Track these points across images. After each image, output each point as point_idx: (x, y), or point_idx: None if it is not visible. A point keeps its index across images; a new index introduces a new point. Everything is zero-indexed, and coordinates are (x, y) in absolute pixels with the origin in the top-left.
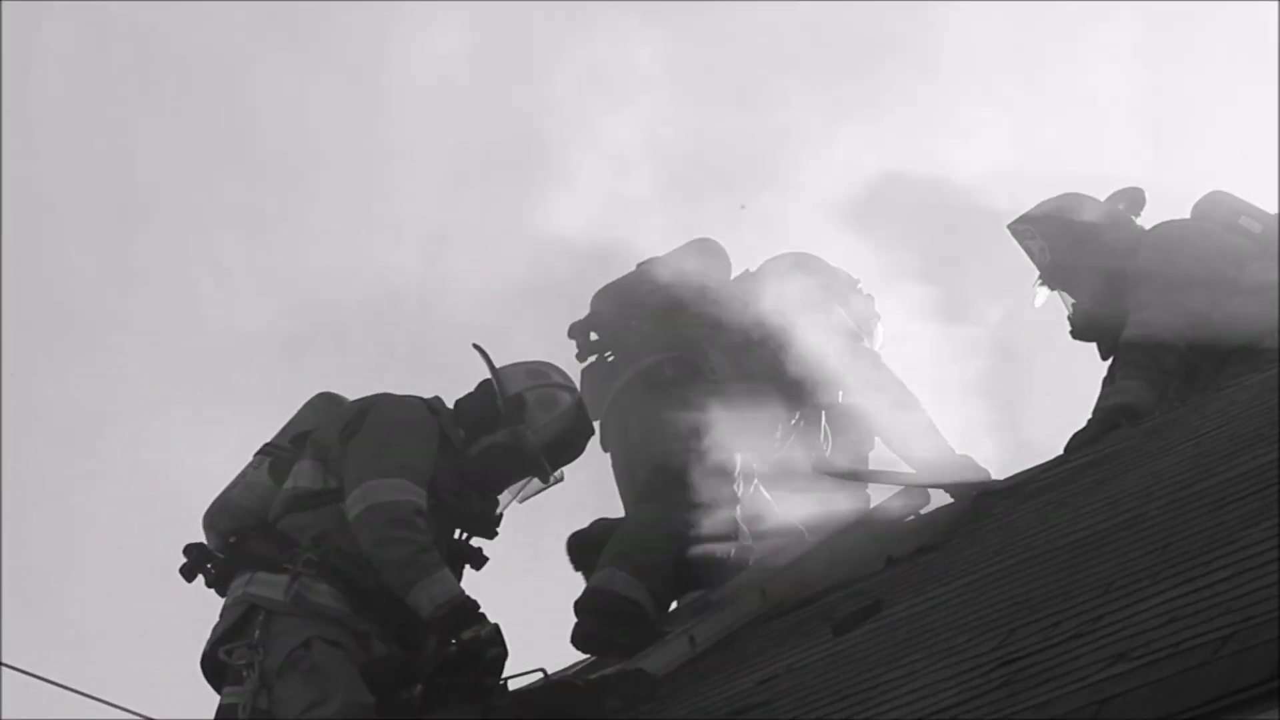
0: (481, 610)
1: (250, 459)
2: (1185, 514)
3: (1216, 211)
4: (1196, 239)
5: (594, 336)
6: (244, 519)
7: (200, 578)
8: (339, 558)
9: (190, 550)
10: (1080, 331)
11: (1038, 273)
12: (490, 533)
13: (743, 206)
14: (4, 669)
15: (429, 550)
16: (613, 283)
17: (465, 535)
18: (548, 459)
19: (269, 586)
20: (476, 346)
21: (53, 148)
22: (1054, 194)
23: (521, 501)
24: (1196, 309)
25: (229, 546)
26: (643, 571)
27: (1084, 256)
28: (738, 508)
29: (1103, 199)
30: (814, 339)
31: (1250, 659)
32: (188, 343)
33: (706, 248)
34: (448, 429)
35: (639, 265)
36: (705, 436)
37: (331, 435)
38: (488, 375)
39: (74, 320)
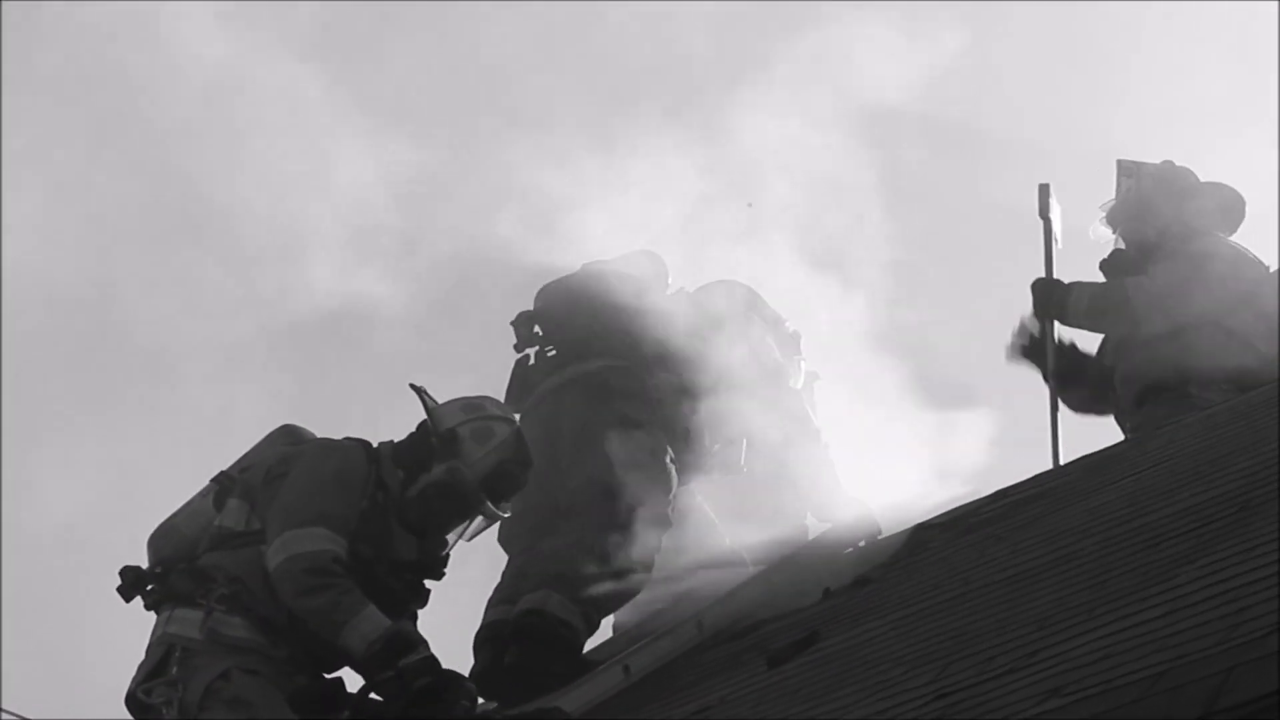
0: (417, 639)
1: (206, 484)
2: (1121, 550)
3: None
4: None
5: (537, 330)
6: (181, 547)
7: (140, 600)
8: (249, 597)
9: (126, 573)
10: (1110, 269)
11: (1109, 207)
12: (437, 573)
13: (749, 204)
14: None
15: (350, 592)
16: (559, 280)
17: (410, 579)
18: (486, 492)
19: (185, 624)
20: (413, 386)
21: None
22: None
23: (469, 540)
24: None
25: (156, 576)
26: (578, 596)
27: (1155, 232)
28: (665, 535)
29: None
30: (729, 371)
31: (1183, 696)
32: None
33: (651, 258)
34: (386, 475)
35: (584, 266)
36: (643, 457)
37: (259, 476)
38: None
39: None
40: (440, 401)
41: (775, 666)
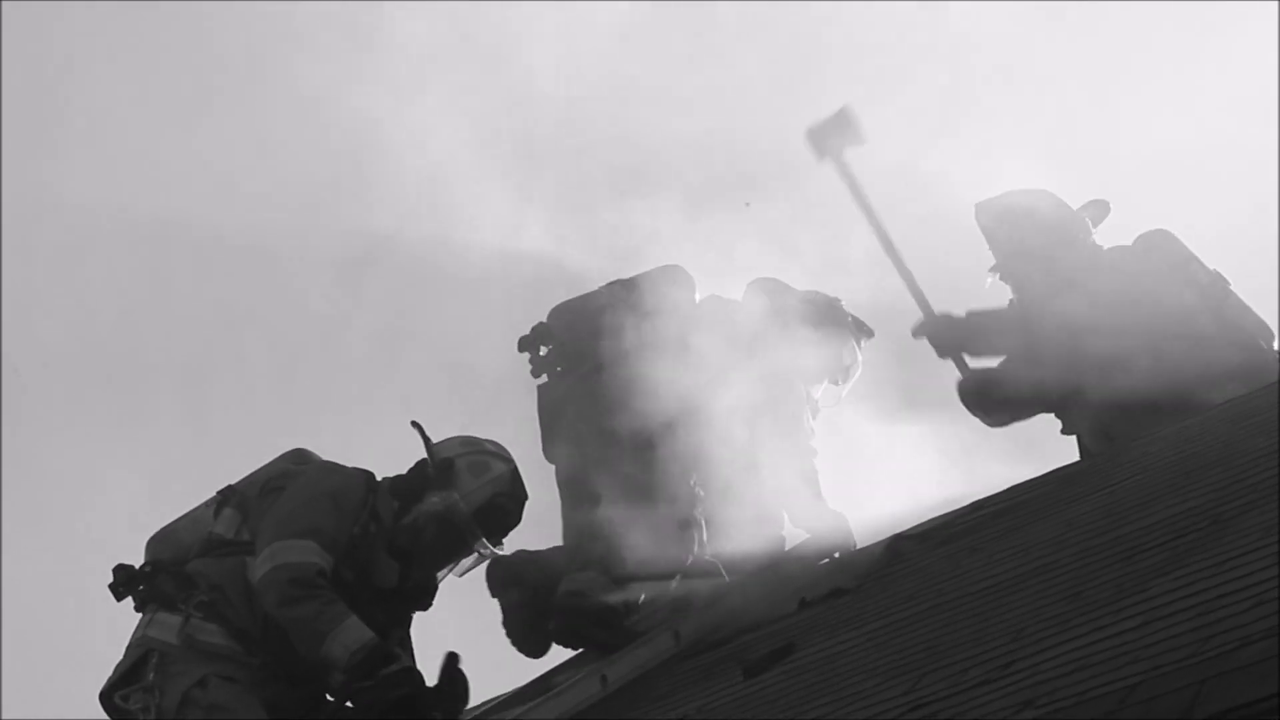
0: (396, 653)
1: (213, 495)
2: (1096, 562)
3: (1166, 252)
4: (1150, 283)
5: (543, 351)
6: (176, 552)
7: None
8: (227, 606)
9: (118, 571)
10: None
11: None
12: (424, 604)
13: (747, 204)
14: None
15: (334, 603)
16: (572, 300)
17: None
18: (480, 525)
19: (163, 628)
20: (414, 424)
21: None
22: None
23: (460, 576)
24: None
25: (145, 576)
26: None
27: (1037, 264)
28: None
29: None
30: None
31: (1157, 708)
32: None
33: (674, 276)
34: (381, 505)
35: (605, 286)
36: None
37: (254, 489)
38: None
39: None
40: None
41: (752, 677)
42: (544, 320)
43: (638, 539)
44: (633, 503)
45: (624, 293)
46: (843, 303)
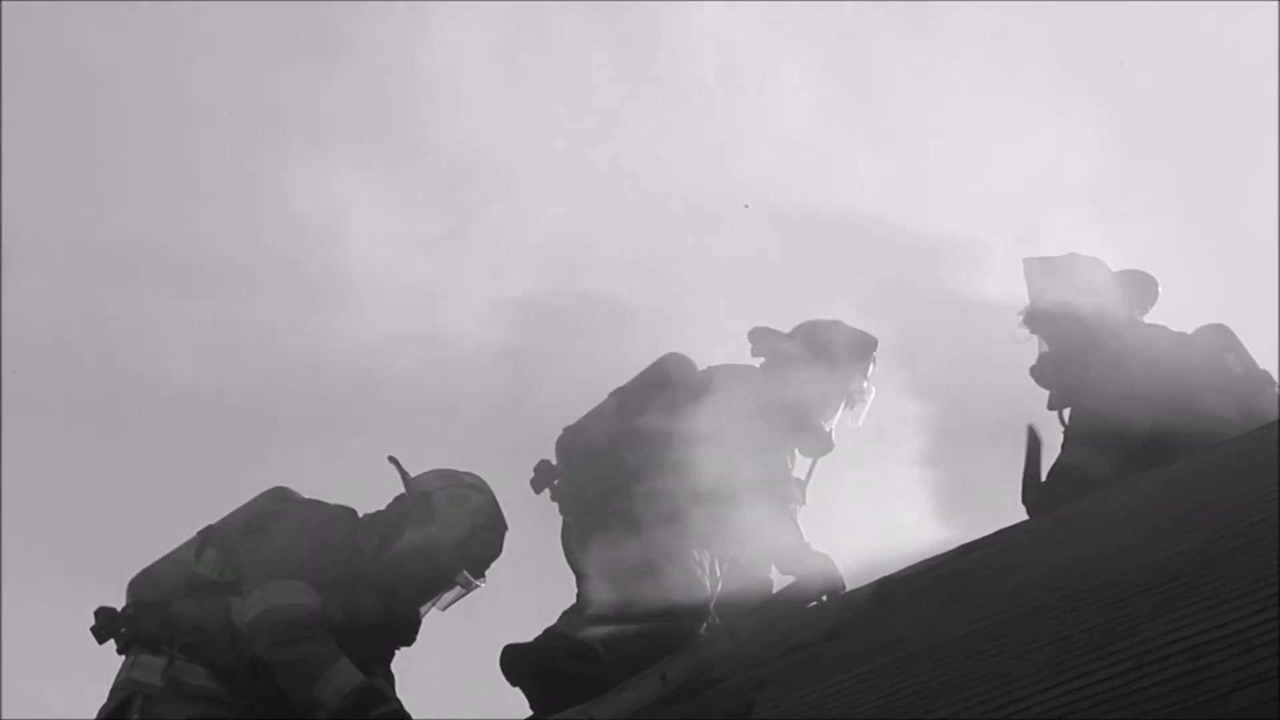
0: (387, 694)
1: (193, 535)
2: (1086, 607)
3: (1208, 338)
4: (1170, 355)
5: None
6: (157, 594)
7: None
8: (211, 648)
9: (100, 614)
10: (1041, 376)
11: (1025, 310)
12: (408, 640)
13: (746, 206)
14: None
15: (326, 644)
16: (577, 425)
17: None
18: (461, 557)
19: (147, 670)
20: (391, 459)
21: None
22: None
23: (443, 609)
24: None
25: (127, 619)
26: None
27: (1069, 323)
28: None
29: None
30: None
31: None
32: None
33: (672, 366)
34: (362, 541)
35: (609, 398)
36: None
37: (238, 530)
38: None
39: None
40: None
41: None
42: (548, 459)
43: (619, 578)
44: (617, 541)
45: (617, 400)
46: (841, 323)
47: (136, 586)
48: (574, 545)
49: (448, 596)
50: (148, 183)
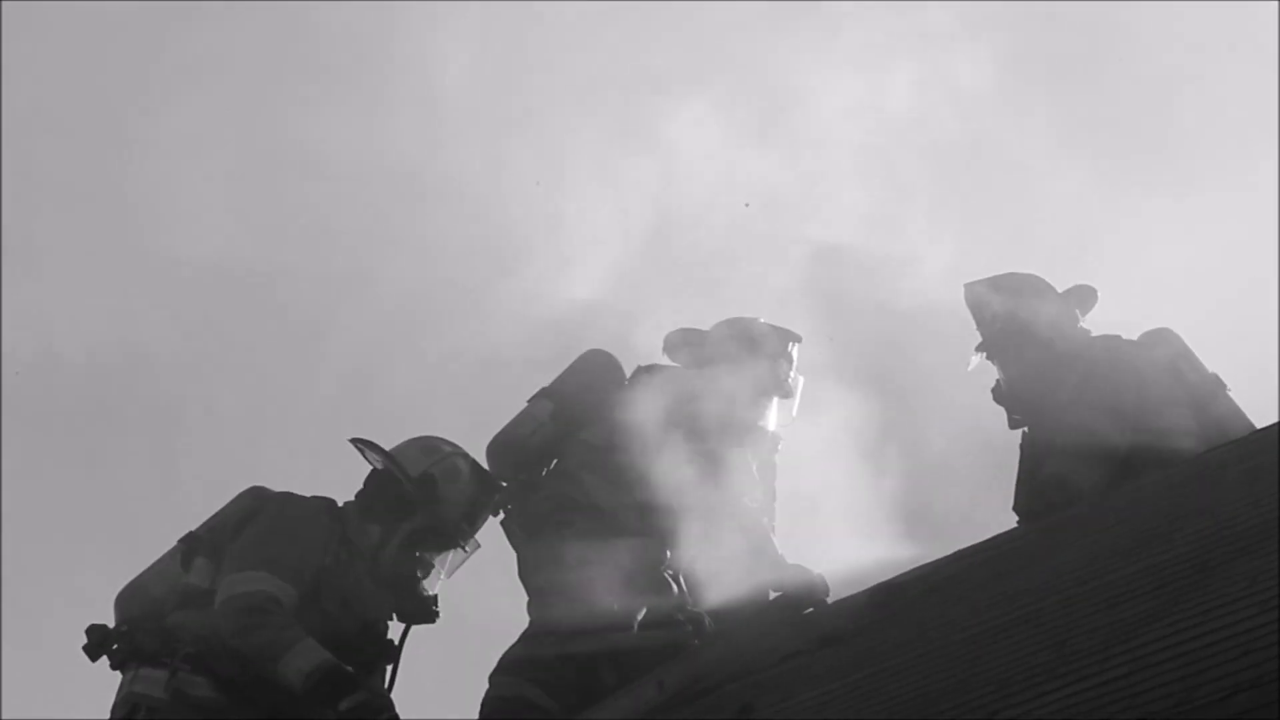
0: (354, 677)
1: (174, 544)
2: (1082, 611)
3: (1163, 348)
4: (1137, 371)
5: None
6: (147, 607)
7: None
8: (213, 657)
9: (92, 632)
10: (1001, 398)
11: (979, 339)
12: (430, 617)
13: (746, 205)
14: None
15: (288, 628)
16: (501, 434)
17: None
18: (470, 526)
19: (150, 683)
20: (355, 441)
21: None
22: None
23: (449, 576)
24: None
25: (121, 635)
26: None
27: (1029, 346)
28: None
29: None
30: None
31: None
32: None
33: (599, 369)
34: (352, 532)
35: (531, 400)
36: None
37: (226, 535)
38: (371, 466)
39: None
40: (385, 448)
41: None
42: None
43: (603, 588)
44: (600, 552)
45: (551, 404)
46: (759, 319)
47: (125, 601)
48: (526, 563)
49: (454, 561)
50: (147, 186)
